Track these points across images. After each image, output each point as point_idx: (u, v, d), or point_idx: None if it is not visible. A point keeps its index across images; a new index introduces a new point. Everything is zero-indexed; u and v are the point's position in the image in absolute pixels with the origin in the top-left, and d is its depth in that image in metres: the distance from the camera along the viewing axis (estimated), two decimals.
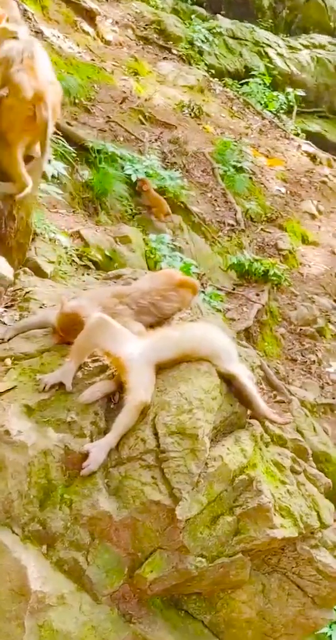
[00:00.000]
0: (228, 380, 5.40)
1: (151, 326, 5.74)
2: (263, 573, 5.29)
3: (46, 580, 4.77)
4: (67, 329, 5.49)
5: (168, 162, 14.60)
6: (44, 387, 5.29)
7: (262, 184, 16.23)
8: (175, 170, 14.09)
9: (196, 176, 14.94)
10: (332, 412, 12.51)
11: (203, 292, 11.99)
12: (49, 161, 11.49)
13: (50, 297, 6.53)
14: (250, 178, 15.85)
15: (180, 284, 5.92)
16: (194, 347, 5.34)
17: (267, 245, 14.78)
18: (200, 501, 4.97)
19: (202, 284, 12.47)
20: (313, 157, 18.55)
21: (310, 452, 5.89)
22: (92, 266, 10.99)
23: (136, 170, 13.06)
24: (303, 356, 13.01)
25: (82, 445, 5.07)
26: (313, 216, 16.44)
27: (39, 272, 9.27)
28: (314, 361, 13.12)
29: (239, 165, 15.64)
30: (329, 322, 14.05)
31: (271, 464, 5.42)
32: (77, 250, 10.89)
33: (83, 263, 10.91)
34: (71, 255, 10.61)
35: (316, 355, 13.33)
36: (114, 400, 5.32)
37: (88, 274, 10.78)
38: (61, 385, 5.29)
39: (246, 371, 5.56)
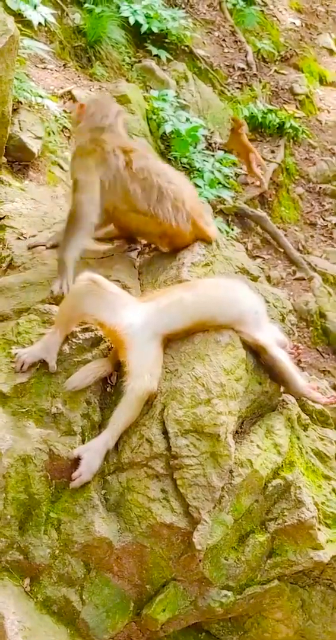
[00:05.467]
0: (256, 351, 4.23)
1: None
2: (302, 587, 4.25)
3: (30, 633, 3.72)
4: None
5: None
6: (22, 366, 4.12)
7: (275, 16, 14.50)
8: (178, 9, 12.40)
9: (202, 12, 13.26)
10: None
11: (213, 155, 10.63)
12: (35, 7, 10.00)
13: (31, 219, 5.29)
14: (261, 11, 14.10)
15: None
16: (212, 313, 4.15)
17: (281, 89, 13.23)
18: (224, 522, 3.90)
19: (211, 145, 11.11)
20: None
21: None
22: None
23: (135, 11, 11.44)
24: (323, 219, 11.72)
25: (72, 447, 3.94)
26: (331, 52, 14.76)
27: (25, 151, 7.98)
28: (335, 224, 11.85)
29: None
30: None
31: (312, 455, 4.31)
32: (69, 114, 9.49)
33: None
34: (61, 123, 9.22)
35: None
36: (111, 382, 4.17)
37: None
38: (43, 363, 4.11)
39: (278, 335, 4.38)
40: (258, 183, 11.14)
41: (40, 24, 10.05)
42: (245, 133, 11.12)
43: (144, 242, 4.98)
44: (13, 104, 7.24)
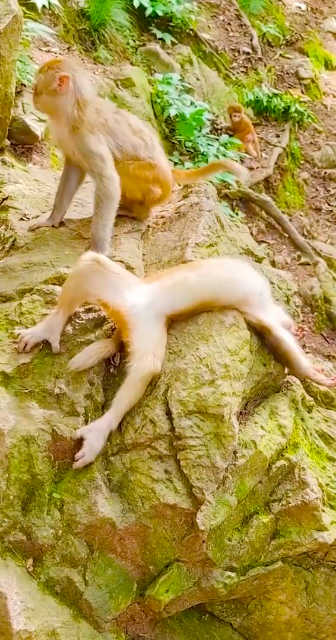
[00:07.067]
0: (261, 332, 4.20)
1: None
2: (305, 568, 4.23)
3: (33, 613, 3.70)
4: None
5: None
6: (25, 347, 4.09)
7: (280, 0, 14.44)
8: None
9: None
10: None
11: (217, 139, 10.59)
12: None
13: (34, 200, 5.26)
14: None
15: None
16: (216, 293, 4.11)
17: (287, 74, 13.19)
18: (228, 503, 3.87)
19: (217, 130, 11.07)
20: None
21: None
22: None
23: None
24: (328, 204, 11.70)
25: (75, 427, 3.92)
26: None
27: (28, 134, 7.93)
28: None
29: None
30: None
31: (317, 436, 4.29)
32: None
33: None
34: None
35: None
36: (114, 362, 4.14)
37: None
38: (46, 343, 4.09)
39: (283, 316, 4.35)
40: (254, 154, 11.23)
41: (44, 6, 9.99)
42: (244, 115, 11.15)
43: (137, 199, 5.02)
44: (16, 87, 7.19)
